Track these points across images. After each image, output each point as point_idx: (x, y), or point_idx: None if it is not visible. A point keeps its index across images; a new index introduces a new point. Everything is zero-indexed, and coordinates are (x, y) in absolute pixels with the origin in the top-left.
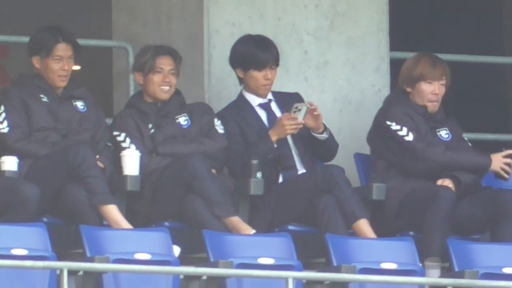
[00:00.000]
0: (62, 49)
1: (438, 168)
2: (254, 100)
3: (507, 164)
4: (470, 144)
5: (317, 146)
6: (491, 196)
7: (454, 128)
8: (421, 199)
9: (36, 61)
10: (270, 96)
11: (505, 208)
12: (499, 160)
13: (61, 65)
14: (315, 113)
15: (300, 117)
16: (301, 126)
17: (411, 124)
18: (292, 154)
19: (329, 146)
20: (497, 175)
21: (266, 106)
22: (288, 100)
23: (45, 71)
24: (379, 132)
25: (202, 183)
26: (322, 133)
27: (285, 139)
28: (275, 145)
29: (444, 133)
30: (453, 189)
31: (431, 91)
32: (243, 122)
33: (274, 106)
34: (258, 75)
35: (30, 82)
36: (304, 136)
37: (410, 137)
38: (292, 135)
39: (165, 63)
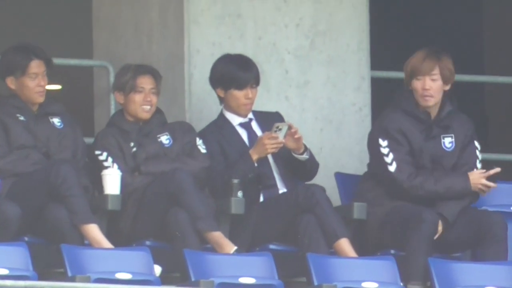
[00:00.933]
0: (36, 65)
1: (418, 200)
2: (235, 120)
3: (486, 183)
4: (478, 152)
5: (297, 166)
6: (476, 216)
7: (461, 133)
8: (404, 218)
9: (10, 82)
10: (250, 115)
11: (489, 229)
12: (477, 179)
13: (37, 81)
14: (296, 136)
15: (281, 136)
16: (282, 145)
17: (401, 146)
18: (272, 173)
19: (309, 166)
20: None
21: (246, 125)
22: (268, 119)
23: (21, 90)
24: (373, 143)
25: (188, 196)
26: (302, 153)
27: (266, 158)
28: (256, 164)
29: (448, 142)
30: (441, 226)
31: (421, 87)
32: (224, 141)
33: (254, 125)
34: (238, 94)
35: (5, 102)
36: (285, 156)
37: (392, 167)
38: (273, 154)
39: (146, 83)
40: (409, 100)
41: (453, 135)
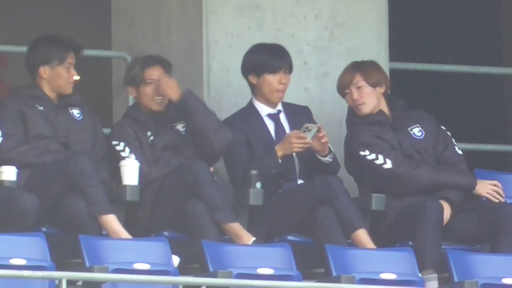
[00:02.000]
0: (71, 57)
1: (423, 190)
2: (264, 110)
3: (496, 190)
4: (449, 134)
5: (319, 167)
6: (491, 209)
7: (426, 122)
8: (412, 212)
9: (44, 71)
10: (279, 106)
11: (504, 221)
12: (486, 185)
13: (70, 72)
14: (323, 140)
15: (309, 137)
16: (308, 145)
17: (384, 147)
18: (295, 167)
19: (331, 169)
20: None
21: (275, 117)
22: (297, 113)
23: (55, 80)
24: (355, 164)
25: (205, 188)
26: (326, 156)
27: (292, 157)
28: (280, 161)
29: (417, 131)
30: (449, 210)
31: (351, 99)
32: (250, 131)
33: (283, 117)
34: (272, 79)
35: (24, 92)
36: (308, 155)
37: (388, 164)
38: (298, 154)
39: (155, 74)
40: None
41: (418, 124)
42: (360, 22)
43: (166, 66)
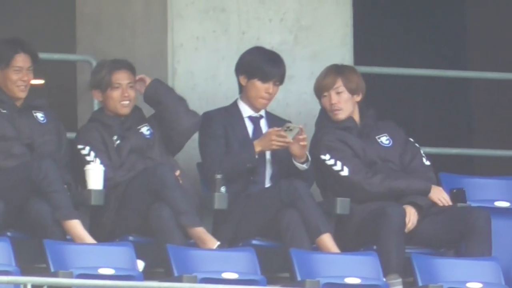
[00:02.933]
0: (22, 60)
1: (378, 197)
2: (246, 111)
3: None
4: (417, 145)
5: (293, 173)
6: (460, 212)
7: (395, 132)
8: (375, 217)
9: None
10: (262, 112)
11: (474, 225)
12: (439, 192)
13: (21, 75)
14: (302, 143)
15: (290, 137)
16: (288, 145)
17: (346, 153)
18: (265, 170)
19: (305, 177)
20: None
21: (255, 120)
22: (278, 124)
23: (5, 82)
24: (316, 166)
25: (170, 192)
26: (303, 163)
27: (263, 154)
28: (256, 156)
29: (384, 139)
30: (416, 215)
31: (329, 103)
32: (230, 127)
33: (263, 122)
34: (260, 86)
35: None
36: (284, 158)
37: (345, 172)
38: (272, 153)
39: (122, 78)
40: (329, 116)
41: (386, 134)
42: (325, 25)
43: (133, 71)
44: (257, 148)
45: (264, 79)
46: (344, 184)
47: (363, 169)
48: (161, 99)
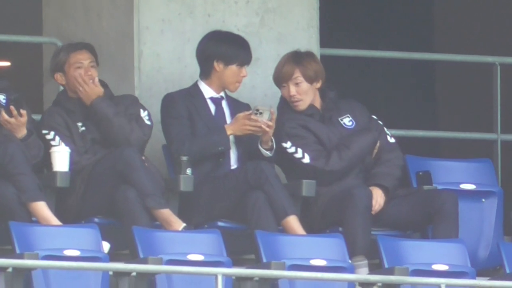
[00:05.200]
0: None
1: (345, 171)
2: (208, 92)
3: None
4: (381, 122)
5: (257, 157)
6: (426, 195)
7: (357, 111)
8: (341, 199)
9: None
10: (223, 93)
11: (440, 207)
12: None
13: None
14: (265, 127)
15: (261, 120)
16: (261, 129)
17: (308, 140)
18: (229, 153)
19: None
20: None
21: (217, 101)
22: (238, 107)
23: None
24: (279, 153)
25: (136, 174)
26: (268, 150)
27: (227, 139)
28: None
29: (347, 121)
30: (383, 196)
31: (288, 94)
32: (193, 108)
33: (224, 104)
34: (237, 71)
35: None
36: (249, 143)
37: (306, 159)
38: (236, 137)
39: (83, 58)
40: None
41: (348, 114)
42: (291, 8)
43: (93, 51)
44: (229, 132)
45: (241, 65)
46: (307, 171)
47: (323, 155)
48: (102, 120)
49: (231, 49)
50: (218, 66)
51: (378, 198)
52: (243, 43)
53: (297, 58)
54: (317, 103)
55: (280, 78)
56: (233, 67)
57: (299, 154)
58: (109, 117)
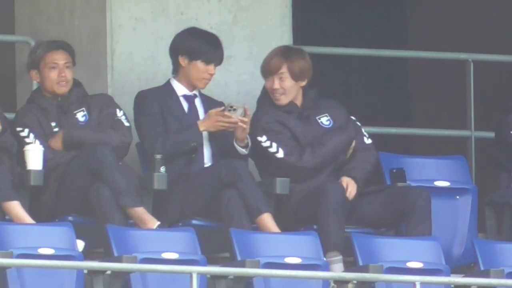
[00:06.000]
0: None
1: (318, 168)
2: (180, 90)
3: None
4: (358, 124)
5: (232, 155)
6: (398, 193)
7: (336, 112)
8: (314, 196)
9: None
10: (196, 91)
11: (414, 205)
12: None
13: None
14: (241, 124)
15: (235, 117)
16: (234, 126)
17: (282, 134)
18: (203, 150)
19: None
20: None
21: (190, 99)
22: (211, 105)
23: None
24: (253, 147)
25: (110, 172)
26: (243, 147)
27: (201, 136)
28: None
29: (325, 120)
30: (355, 186)
31: (270, 86)
32: (165, 106)
33: (198, 101)
34: (203, 68)
35: None
36: (224, 139)
37: (280, 154)
38: (209, 133)
39: (59, 58)
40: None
41: (327, 114)
42: (264, 6)
43: (70, 51)
44: (201, 128)
45: (207, 62)
46: (280, 166)
47: (296, 150)
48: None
49: (196, 45)
50: (183, 61)
51: (349, 186)
52: (212, 40)
53: (287, 53)
54: (298, 101)
55: (267, 70)
56: (198, 63)
57: (273, 149)
58: (83, 141)
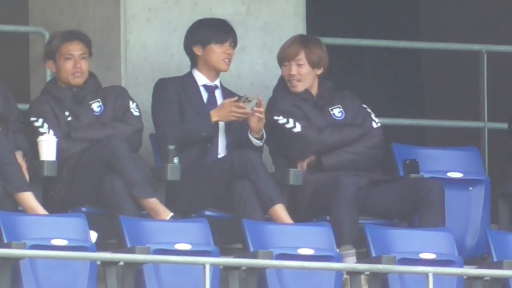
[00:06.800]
0: None
1: (330, 149)
2: (201, 80)
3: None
4: (369, 110)
5: (247, 147)
6: (411, 184)
7: (350, 103)
8: (327, 187)
9: None
10: (217, 82)
11: (427, 196)
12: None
13: None
14: (257, 114)
15: (249, 108)
16: (247, 116)
17: (298, 114)
18: (218, 140)
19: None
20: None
21: (210, 89)
22: (231, 97)
23: None
24: (269, 131)
25: (123, 163)
26: (258, 139)
27: (216, 125)
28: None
29: (337, 111)
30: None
31: (288, 73)
32: (184, 95)
33: (218, 92)
34: (218, 49)
35: None
36: (236, 129)
37: (298, 128)
38: (226, 123)
39: (74, 49)
40: (287, 85)
41: (339, 105)
42: None
43: (86, 42)
44: (214, 118)
45: (221, 42)
46: (298, 140)
47: (315, 126)
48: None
49: (205, 31)
50: (198, 50)
51: (305, 161)
52: (219, 22)
53: (305, 40)
54: (314, 90)
55: (284, 57)
56: (212, 46)
57: (290, 124)
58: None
